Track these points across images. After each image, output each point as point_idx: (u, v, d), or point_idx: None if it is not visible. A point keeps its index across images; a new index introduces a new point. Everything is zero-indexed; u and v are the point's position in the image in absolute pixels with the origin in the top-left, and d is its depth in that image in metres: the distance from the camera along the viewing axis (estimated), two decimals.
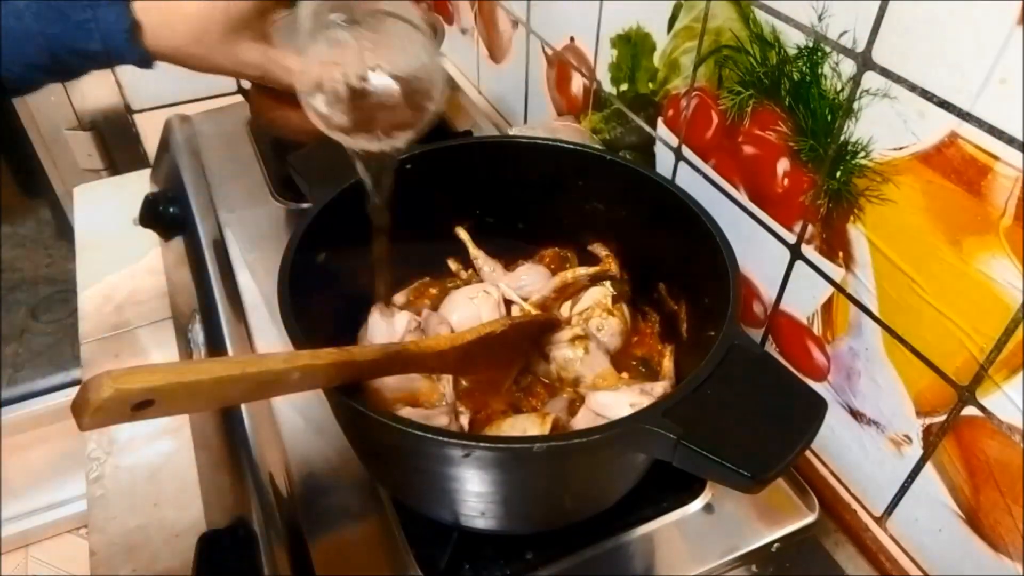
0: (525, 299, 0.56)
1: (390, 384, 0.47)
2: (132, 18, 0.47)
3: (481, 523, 0.45)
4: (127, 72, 1.02)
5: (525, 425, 0.46)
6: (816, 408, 0.37)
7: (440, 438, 0.36)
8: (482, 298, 0.55)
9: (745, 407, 0.37)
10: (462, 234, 0.60)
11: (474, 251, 0.60)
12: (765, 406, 0.38)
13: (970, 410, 0.42)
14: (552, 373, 0.52)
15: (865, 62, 0.42)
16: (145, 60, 0.49)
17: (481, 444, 0.38)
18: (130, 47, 0.47)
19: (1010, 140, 0.36)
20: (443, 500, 0.45)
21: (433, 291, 0.60)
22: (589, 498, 0.46)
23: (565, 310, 0.56)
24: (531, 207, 0.58)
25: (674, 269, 0.54)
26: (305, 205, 0.73)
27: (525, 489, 0.43)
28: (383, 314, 0.51)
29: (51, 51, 0.46)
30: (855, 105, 0.44)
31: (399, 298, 0.59)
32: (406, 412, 0.46)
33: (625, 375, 0.52)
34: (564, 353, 0.52)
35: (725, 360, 0.38)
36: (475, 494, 0.42)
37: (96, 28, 0.46)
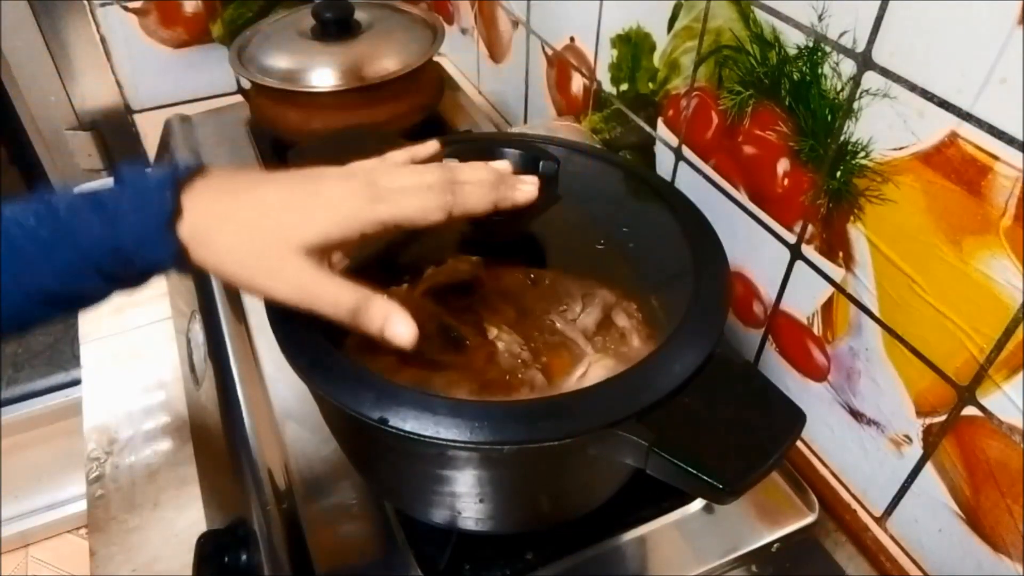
0: None
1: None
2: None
3: (468, 524, 0.45)
4: (127, 72, 1.02)
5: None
6: (793, 420, 0.37)
7: (413, 435, 0.35)
8: None
9: (721, 416, 0.37)
10: None
11: None
12: (742, 416, 0.37)
13: (970, 410, 0.42)
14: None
15: (865, 62, 0.42)
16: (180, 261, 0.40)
17: (455, 443, 0.36)
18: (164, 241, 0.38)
19: (1010, 140, 0.36)
20: (426, 499, 0.44)
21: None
22: (575, 497, 0.46)
23: None
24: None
25: (660, 272, 0.53)
26: None
27: (503, 488, 0.43)
28: None
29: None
30: (855, 105, 0.44)
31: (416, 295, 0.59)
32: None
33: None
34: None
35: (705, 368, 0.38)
36: (451, 493, 0.42)
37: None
